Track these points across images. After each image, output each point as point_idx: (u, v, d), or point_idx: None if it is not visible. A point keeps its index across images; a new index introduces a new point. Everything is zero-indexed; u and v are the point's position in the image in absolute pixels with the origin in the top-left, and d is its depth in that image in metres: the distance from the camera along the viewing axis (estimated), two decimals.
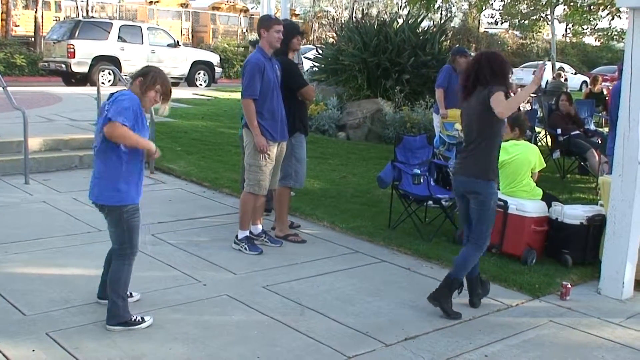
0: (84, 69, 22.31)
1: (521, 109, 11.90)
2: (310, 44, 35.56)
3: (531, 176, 7.24)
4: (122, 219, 4.92)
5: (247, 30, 42.50)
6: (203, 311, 5.42)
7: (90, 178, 5.03)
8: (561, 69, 25.86)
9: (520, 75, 33.35)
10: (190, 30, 40.80)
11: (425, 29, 17.00)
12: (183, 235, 7.39)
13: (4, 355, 4.50)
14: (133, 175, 4.96)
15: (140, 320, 5.01)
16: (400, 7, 34.84)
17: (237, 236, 7.00)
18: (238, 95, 7.64)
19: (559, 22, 42.78)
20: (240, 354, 4.72)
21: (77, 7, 34.72)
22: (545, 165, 7.35)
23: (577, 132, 11.53)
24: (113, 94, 4.94)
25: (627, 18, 6.39)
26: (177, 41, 25.87)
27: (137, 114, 4.81)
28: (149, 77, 4.93)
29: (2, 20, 32.92)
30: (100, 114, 4.90)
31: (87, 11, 34.49)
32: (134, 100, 4.83)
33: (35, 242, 6.87)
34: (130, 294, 5.37)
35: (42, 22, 31.88)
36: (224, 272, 6.36)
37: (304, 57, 9.10)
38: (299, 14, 49.03)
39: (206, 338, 4.92)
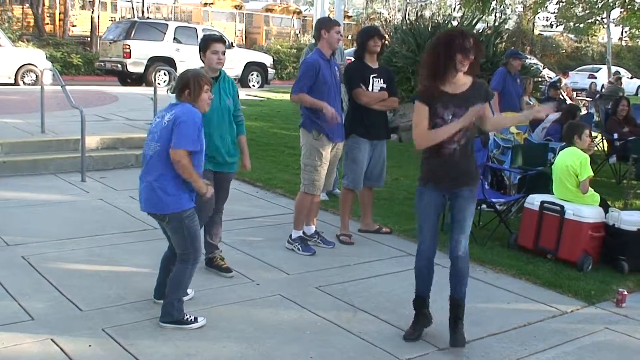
0: (140, 69, 22.58)
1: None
2: None
3: (578, 186, 7.05)
4: (182, 225, 4.94)
5: (299, 32, 42.67)
6: (256, 310, 5.45)
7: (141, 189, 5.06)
8: (617, 72, 25.44)
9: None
10: (243, 32, 41.13)
11: (480, 31, 16.90)
12: (236, 234, 7.44)
13: (61, 349, 4.59)
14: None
15: (193, 320, 5.04)
16: (454, 9, 34.65)
17: (290, 236, 7.03)
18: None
19: (615, 26, 41.98)
20: (294, 353, 4.75)
21: (132, 8, 35.25)
22: (592, 173, 7.08)
23: (634, 136, 11.33)
24: (173, 105, 4.97)
25: None
26: (231, 42, 26.02)
27: (200, 129, 4.88)
28: (193, 84, 4.92)
29: (59, 20, 33.64)
30: (159, 123, 4.90)
31: (143, 12, 34.99)
32: (195, 115, 4.85)
33: (91, 239, 6.98)
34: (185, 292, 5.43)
35: (99, 22, 32.40)
36: (277, 272, 6.39)
37: (349, 58, 8.98)
38: (351, 16, 49.06)
39: (260, 337, 4.95)
